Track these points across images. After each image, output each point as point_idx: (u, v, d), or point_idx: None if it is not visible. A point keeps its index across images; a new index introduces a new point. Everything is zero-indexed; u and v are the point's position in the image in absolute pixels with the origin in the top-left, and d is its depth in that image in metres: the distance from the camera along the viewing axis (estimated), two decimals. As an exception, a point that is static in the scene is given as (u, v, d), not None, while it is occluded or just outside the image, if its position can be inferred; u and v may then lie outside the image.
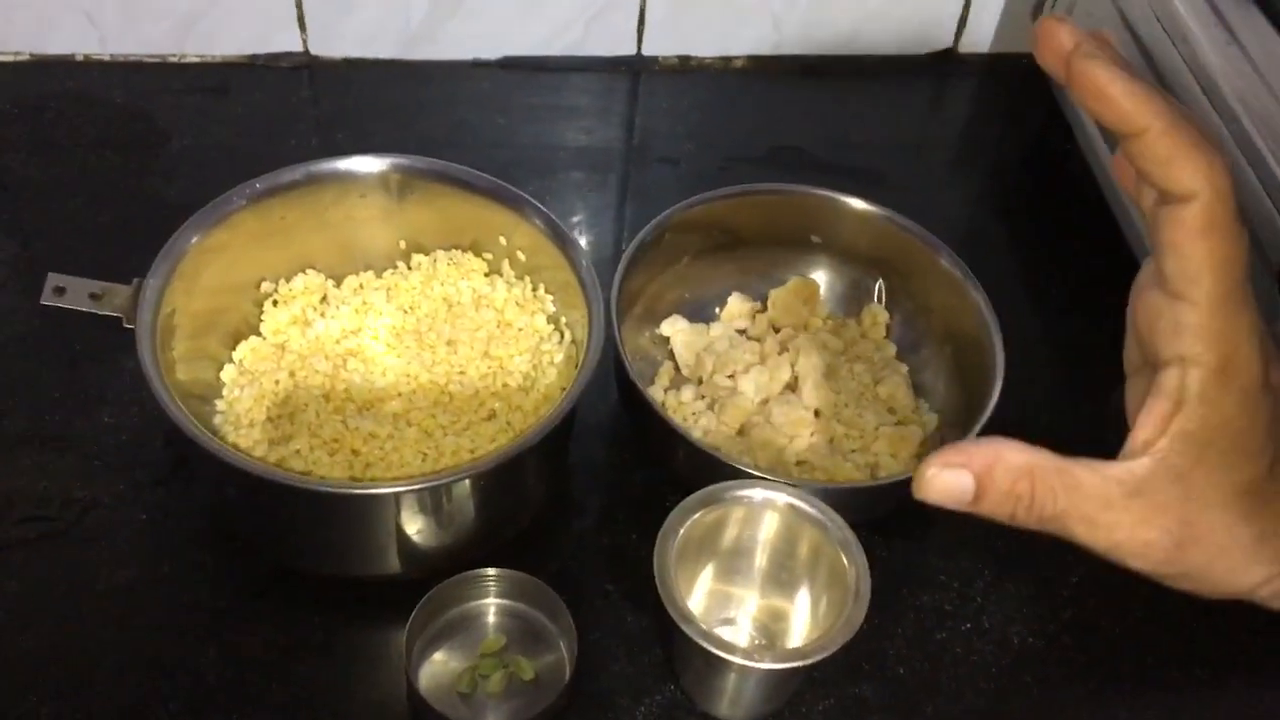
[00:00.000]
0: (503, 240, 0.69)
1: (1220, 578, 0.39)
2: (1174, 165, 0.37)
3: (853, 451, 0.67)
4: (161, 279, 0.60)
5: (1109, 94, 0.37)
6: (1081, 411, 0.75)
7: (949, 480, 0.39)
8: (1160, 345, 0.39)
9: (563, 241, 0.66)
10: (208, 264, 0.64)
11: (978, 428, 0.62)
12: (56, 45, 0.89)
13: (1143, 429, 0.39)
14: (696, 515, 0.56)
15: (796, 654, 0.52)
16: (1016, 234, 0.87)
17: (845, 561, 0.54)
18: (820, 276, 0.75)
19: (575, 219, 0.84)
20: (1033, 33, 0.40)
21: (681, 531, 0.55)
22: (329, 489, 0.57)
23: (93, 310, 0.59)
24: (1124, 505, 0.38)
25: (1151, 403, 0.38)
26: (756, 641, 0.61)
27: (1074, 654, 0.63)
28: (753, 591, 0.61)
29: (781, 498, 0.56)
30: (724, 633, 0.57)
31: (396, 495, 0.56)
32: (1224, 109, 0.67)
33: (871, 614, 0.53)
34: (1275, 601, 0.41)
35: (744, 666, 0.53)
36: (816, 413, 0.68)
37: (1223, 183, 0.37)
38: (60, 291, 0.60)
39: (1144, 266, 0.42)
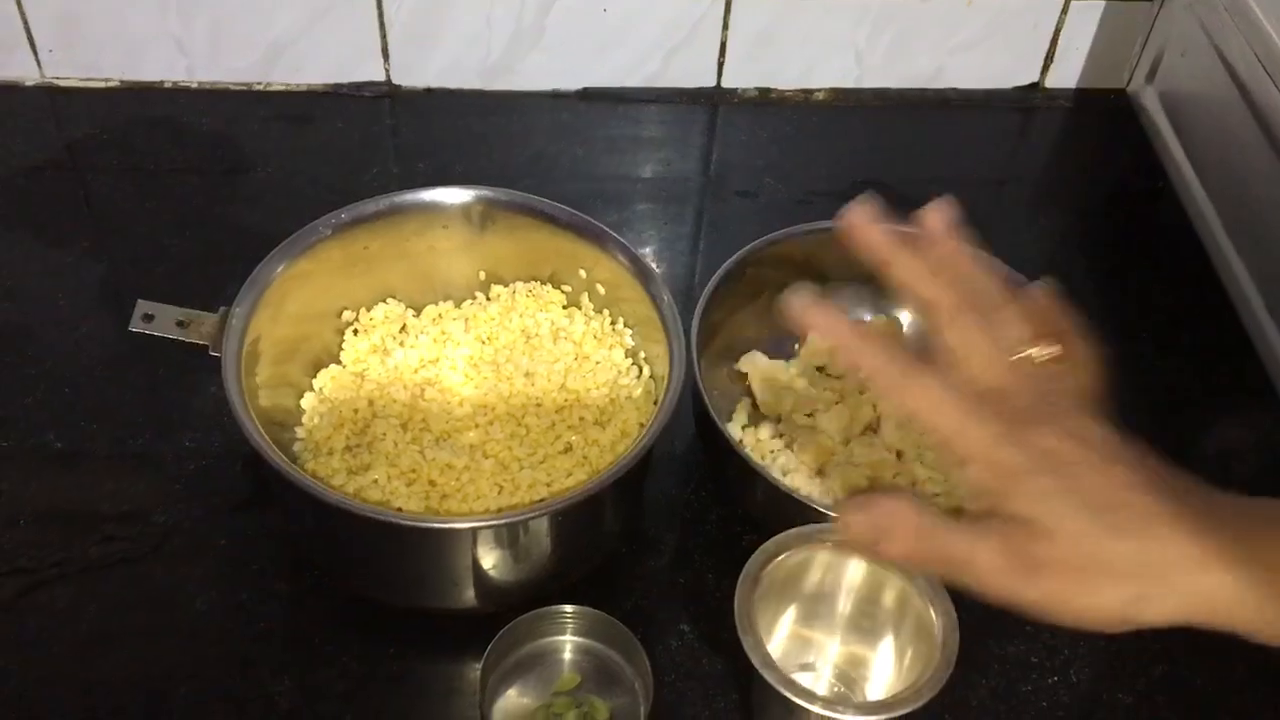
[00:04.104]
0: (583, 273, 0.69)
1: (1081, 601, 0.40)
2: None
3: (936, 496, 0.66)
4: (247, 308, 0.61)
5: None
6: (1173, 455, 0.72)
7: (864, 521, 0.42)
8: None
9: (644, 276, 0.65)
10: (292, 292, 0.64)
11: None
12: (146, 72, 0.91)
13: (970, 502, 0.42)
14: (780, 558, 0.55)
15: (880, 706, 0.51)
16: (1102, 273, 0.85)
17: (932, 613, 0.53)
18: (904, 316, 0.74)
19: (650, 251, 0.83)
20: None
21: (764, 574, 0.54)
22: (408, 522, 0.56)
23: (180, 338, 0.60)
24: (979, 541, 0.41)
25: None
26: (836, 689, 0.59)
27: (1167, 710, 0.61)
28: (834, 638, 0.59)
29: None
30: (803, 679, 0.55)
31: (474, 530, 0.56)
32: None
33: (956, 665, 0.52)
34: (1159, 621, 0.40)
35: (826, 718, 0.51)
36: (899, 454, 0.67)
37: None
38: (149, 319, 0.60)
39: None
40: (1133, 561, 0.39)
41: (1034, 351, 0.43)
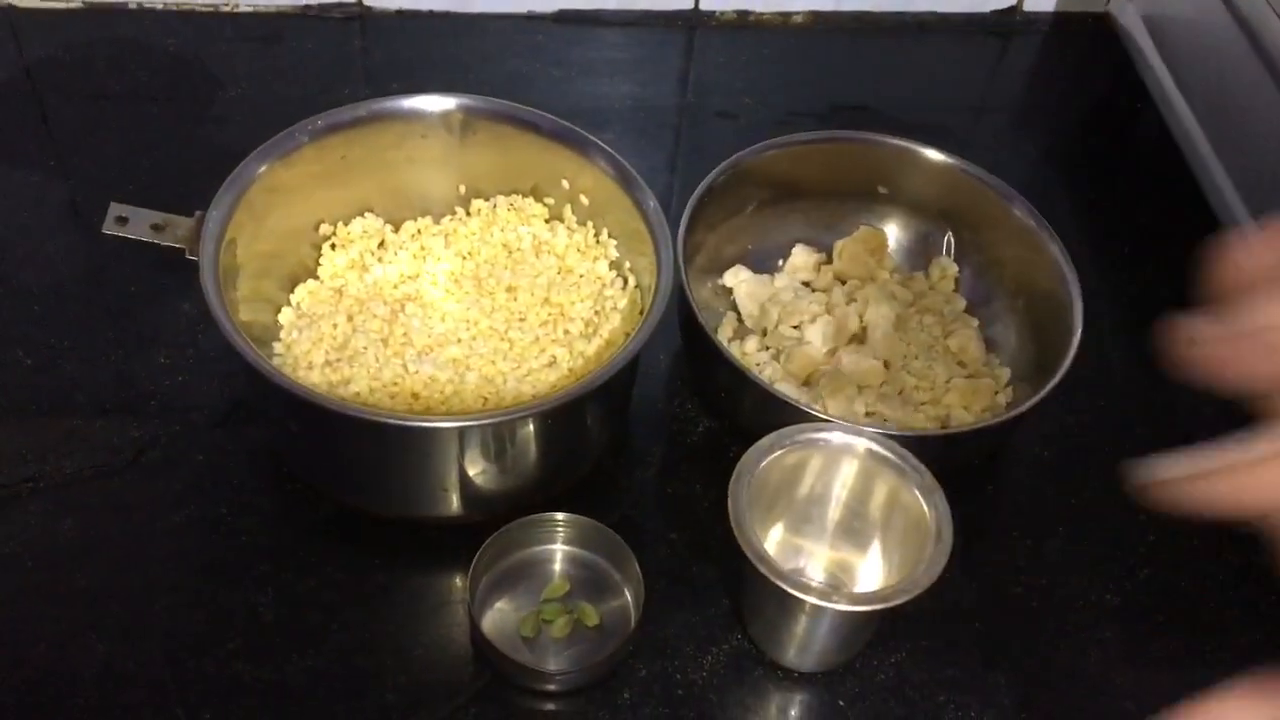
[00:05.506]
0: (566, 184, 0.68)
1: None
2: None
3: (923, 404, 0.65)
4: (224, 210, 0.59)
5: None
6: (1153, 366, 0.73)
7: None
8: None
9: (629, 185, 0.64)
10: (269, 202, 0.63)
11: (1055, 380, 0.60)
12: (109, -7, 0.88)
13: None
14: (773, 456, 0.54)
15: (876, 596, 0.51)
16: (1083, 192, 0.85)
17: (925, 507, 0.53)
18: (888, 229, 0.73)
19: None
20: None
21: (756, 473, 0.53)
22: (395, 421, 0.55)
23: (155, 241, 0.58)
24: None
25: None
26: (826, 592, 0.59)
27: (1154, 610, 0.61)
28: (823, 544, 0.59)
29: (861, 443, 0.54)
30: (794, 581, 0.55)
31: (461, 430, 0.55)
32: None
33: (945, 567, 0.52)
34: None
35: (818, 607, 0.51)
36: (886, 364, 0.66)
37: None
38: (122, 221, 0.59)
39: None
40: None
41: None
